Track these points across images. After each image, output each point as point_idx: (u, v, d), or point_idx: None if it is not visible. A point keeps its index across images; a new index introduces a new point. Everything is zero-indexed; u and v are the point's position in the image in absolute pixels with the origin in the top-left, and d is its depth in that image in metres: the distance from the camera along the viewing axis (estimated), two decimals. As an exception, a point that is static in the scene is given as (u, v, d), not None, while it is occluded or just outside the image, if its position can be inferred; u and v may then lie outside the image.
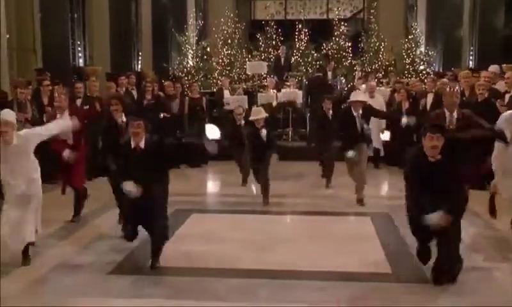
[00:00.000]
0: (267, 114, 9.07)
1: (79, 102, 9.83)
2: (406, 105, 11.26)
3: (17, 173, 5.71)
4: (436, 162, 5.27)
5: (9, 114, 5.76)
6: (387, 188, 8.37)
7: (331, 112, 9.77)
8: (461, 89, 10.17)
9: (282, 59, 15.86)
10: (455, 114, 6.50)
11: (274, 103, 13.39)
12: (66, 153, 7.18)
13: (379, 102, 11.23)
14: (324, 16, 21.03)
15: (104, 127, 7.19)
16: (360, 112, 8.44)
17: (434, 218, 5.14)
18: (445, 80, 11.17)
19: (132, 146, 5.77)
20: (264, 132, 8.68)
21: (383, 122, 11.36)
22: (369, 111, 8.72)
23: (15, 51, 12.95)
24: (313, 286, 5.33)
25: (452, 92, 6.64)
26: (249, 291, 5.23)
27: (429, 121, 6.26)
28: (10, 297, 5.08)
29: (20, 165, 5.71)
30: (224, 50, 16.80)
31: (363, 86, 12.43)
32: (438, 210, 5.13)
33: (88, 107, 9.82)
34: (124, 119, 6.89)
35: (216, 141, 12.41)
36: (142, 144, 5.76)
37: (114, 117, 6.97)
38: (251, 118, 8.83)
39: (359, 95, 8.88)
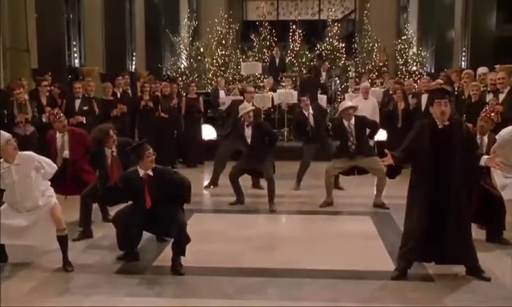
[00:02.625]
0: (253, 107, 8.84)
1: (77, 102, 9.84)
2: (402, 105, 11.37)
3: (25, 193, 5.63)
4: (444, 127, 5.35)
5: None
6: (386, 187, 8.43)
7: (311, 111, 9.59)
8: (460, 88, 10.33)
9: (277, 60, 15.92)
10: (486, 138, 6.68)
11: (269, 105, 13.44)
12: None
13: (372, 104, 11.32)
14: (316, 17, 21.18)
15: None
16: (353, 122, 8.39)
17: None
18: (440, 80, 11.30)
19: (141, 174, 5.82)
20: (248, 130, 8.50)
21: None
22: (363, 123, 8.58)
23: (8, 51, 12.89)
24: (321, 284, 5.38)
25: (485, 117, 6.72)
26: (258, 289, 5.27)
27: None
28: (17, 297, 5.09)
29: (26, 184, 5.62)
30: (219, 50, 16.85)
31: (350, 94, 12.54)
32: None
33: (86, 108, 9.85)
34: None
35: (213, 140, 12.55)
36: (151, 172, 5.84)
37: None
38: (239, 115, 8.69)
39: (346, 103, 8.86)
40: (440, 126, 5.35)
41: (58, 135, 7.45)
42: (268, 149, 8.60)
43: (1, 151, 5.54)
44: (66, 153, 7.40)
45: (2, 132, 5.69)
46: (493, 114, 6.80)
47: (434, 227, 5.34)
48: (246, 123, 8.50)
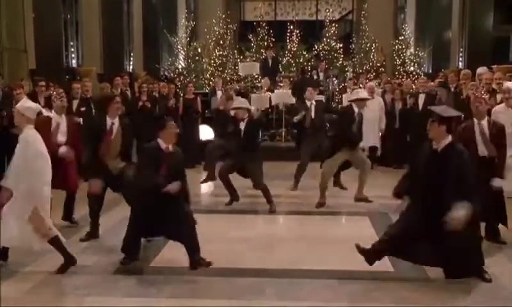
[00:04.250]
0: (250, 107, 8.74)
1: (75, 102, 9.83)
2: (399, 105, 11.41)
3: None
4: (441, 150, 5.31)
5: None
6: (384, 188, 8.41)
7: (313, 102, 9.56)
8: (459, 88, 10.36)
9: (270, 61, 15.91)
10: (484, 122, 6.48)
11: (267, 105, 13.46)
12: (63, 151, 6.95)
13: (378, 102, 11.36)
14: (313, 18, 21.21)
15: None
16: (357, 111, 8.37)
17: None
18: (439, 80, 11.36)
19: (162, 146, 5.71)
20: (242, 124, 8.32)
21: (383, 122, 11.45)
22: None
23: (6, 52, 12.88)
24: (319, 285, 5.40)
25: (477, 99, 6.59)
26: (256, 289, 5.28)
27: (457, 135, 6.34)
28: (15, 298, 5.09)
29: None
30: (216, 51, 16.88)
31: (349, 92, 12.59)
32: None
33: (84, 108, 9.85)
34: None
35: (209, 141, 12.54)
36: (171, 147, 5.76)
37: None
38: (233, 106, 8.58)
39: (363, 93, 8.90)
40: (434, 147, 5.38)
41: (54, 116, 7.22)
42: (258, 151, 8.49)
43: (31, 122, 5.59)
44: (61, 136, 7.22)
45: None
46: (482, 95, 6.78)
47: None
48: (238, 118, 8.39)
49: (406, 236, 5.40)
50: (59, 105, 7.35)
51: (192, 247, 5.60)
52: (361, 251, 5.62)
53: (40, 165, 5.53)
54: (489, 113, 6.87)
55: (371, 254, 5.59)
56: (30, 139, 5.52)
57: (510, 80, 9.53)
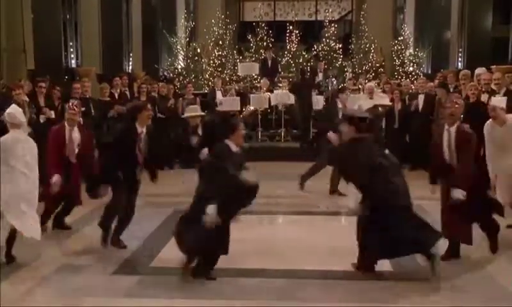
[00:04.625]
0: (203, 114, 8.63)
1: (75, 103, 9.81)
2: (398, 106, 11.41)
3: None
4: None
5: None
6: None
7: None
8: (458, 89, 10.36)
9: (269, 62, 15.91)
10: (453, 129, 5.99)
11: (266, 105, 13.46)
12: (56, 180, 6.62)
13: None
14: (313, 18, 21.22)
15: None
16: None
17: None
18: (438, 80, 11.36)
19: (233, 149, 5.49)
20: (193, 138, 8.07)
21: (383, 122, 11.45)
22: None
23: (5, 52, 12.89)
24: (319, 285, 5.41)
25: (450, 102, 6.16)
26: (256, 290, 5.29)
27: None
28: (15, 298, 5.09)
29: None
30: (215, 51, 16.89)
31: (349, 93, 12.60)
32: None
33: (84, 109, 9.82)
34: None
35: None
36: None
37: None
38: (184, 115, 8.52)
39: (387, 99, 8.95)
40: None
41: (67, 128, 7.02)
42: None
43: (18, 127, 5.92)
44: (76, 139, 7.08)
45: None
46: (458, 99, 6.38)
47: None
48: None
49: (368, 232, 5.60)
50: (73, 117, 7.20)
51: (210, 260, 5.57)
52: (357, 267, 5.74)
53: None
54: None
55: (363, 265, 5.71)
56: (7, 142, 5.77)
57: (509, 81, 9.56)
